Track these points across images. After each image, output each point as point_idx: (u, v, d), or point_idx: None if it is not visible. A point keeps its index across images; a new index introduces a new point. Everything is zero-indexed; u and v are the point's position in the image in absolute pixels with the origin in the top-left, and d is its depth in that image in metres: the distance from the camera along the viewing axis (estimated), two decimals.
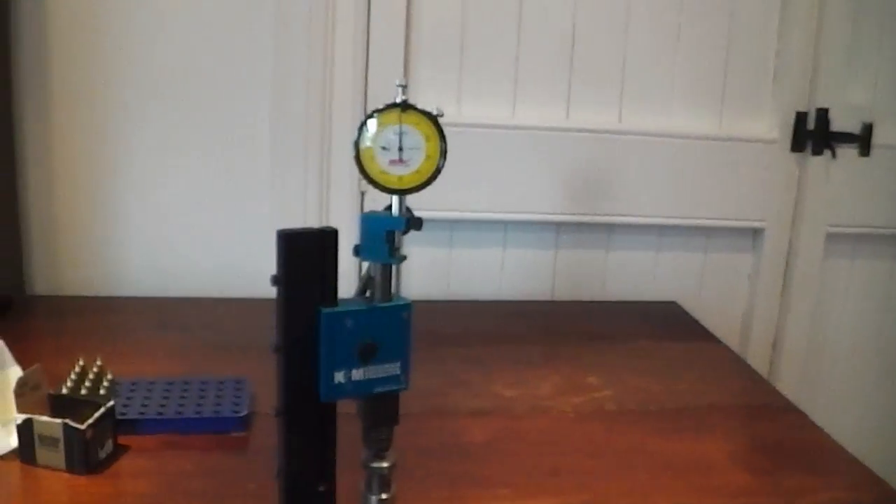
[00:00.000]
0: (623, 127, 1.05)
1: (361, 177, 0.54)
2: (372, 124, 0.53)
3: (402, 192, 0.54)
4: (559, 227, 1.09)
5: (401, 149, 0.53)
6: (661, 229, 1.12)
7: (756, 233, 1.15)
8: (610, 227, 1.11)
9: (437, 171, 0.54)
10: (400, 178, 0.54)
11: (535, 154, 1.03)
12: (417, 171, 0.53)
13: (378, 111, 0.54)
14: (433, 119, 0.54)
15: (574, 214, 1.07)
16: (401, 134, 0.53)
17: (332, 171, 1.00)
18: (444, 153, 0.54)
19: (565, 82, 1.05)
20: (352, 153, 0.52)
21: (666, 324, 0.99)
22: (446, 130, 0.54)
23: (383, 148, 0.53)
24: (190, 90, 0.98)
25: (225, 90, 0.98)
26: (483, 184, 1.02)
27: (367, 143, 0.53)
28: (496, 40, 1.01)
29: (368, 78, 0.97)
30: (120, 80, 0.97)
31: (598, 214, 1.08)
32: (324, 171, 0.99)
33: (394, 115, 0.53)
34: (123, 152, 0.98)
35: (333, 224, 0.51)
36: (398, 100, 0.54)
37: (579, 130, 1.05)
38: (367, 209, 0.98)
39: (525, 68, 1.03)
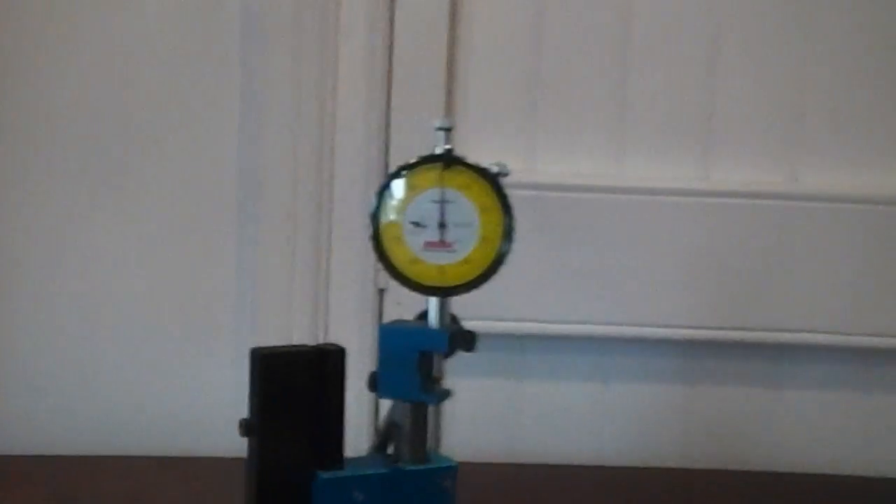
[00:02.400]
0: (798, 189, 1.04)
1: (381, 267, 0.56)
2: (399, 187, 0.56)
3: (444, 293, 0.56)
4: (693, 348, 1.07)
5: (443, 225, 0.56)
6: (866, 354, 1.08)
7: None
8: (778, 350, 1.09)
9: (499, 261, 0.56)
10: (441, 269, 0.56)
11: (653, 231, 1.02)
12: (468, 260, 0.56)
13: (408, 167, 0.56)
14: (492, 180, 0.56)
15: (717, 328, 1.05)
16: (443, 202, 0.56)
17: (334, 259, 1.01)
18: (508, 232, 0.56)
19: (703, 124, 1.05)
20: (366, 231, 0.56)
21: None
22: (514, 197, 0.57)
23: (415, 224, 0.56)
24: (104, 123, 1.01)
25: (157, 124, 1.02)
26: (570, 279, 1.02)
27: (390, 215, 0.56)
28: (590, 61, 1.04)
29: (391, 116, 1.00)
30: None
31: (758, 329, 1.06)
32: (321, 257, 1.01)
33: (432, 173, 0.56)
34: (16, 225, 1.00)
35: (335, 339, 0.54)
36: (439, 150, 0.56)
37: (726, 194, 1.03)
38: (388, 317, 0.99)
39: (637, 102, 1.04)
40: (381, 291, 1.02)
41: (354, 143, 1.02)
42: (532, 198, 0.99)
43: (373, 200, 0.57)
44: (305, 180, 1.01)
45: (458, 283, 0.56)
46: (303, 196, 1.01)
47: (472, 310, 0.59)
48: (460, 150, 0.57)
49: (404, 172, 0.56)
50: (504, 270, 0.56)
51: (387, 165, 1.01)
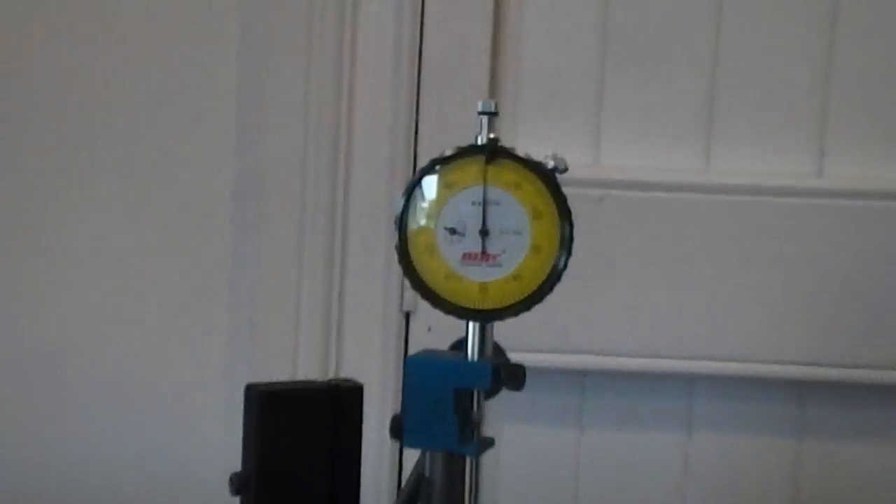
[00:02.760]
0: None
1: (408, 284, 0.58)
2: (431, 186, 0.57)
3: (486, 317, 0.57)
4: (802, 389, 1.07)
5: (485, 232, 0.57)
6: None
7: None
8: None
9: (555, 277, 0.57)
10: (483, 287, 0.57)
11: (751, 241, 1.03)
12: (516, 276, 0.57)
13: (443, 161, 0.57)
14: (547, 177, 0.57)
15: (834, 366, 1.04)
16: (485, 204, 0.57)
17: (349, 274, 1.03)
18: (567, 242, 0.57)
19: (816, 108, 1.06)
20: (389, 240, 0.58)
21: None
22: (574, 197, 0.57)
23: (452, 231, 0.57)
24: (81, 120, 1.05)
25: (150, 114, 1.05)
26: (646, 301, 1.02)
27: (420, 220, 0.57)
28: (670, 28, 1.05)
29: (420, 99, 1.02)
30: None
31: (886, 367, 1.05)
32: (332, 271, 1.03)
33: (473, 168, 0.57)
34: None
35: (350, 374, 0.57)
36: (482, 139, 0.57)
37: (847, 194, 1.02)
38: (416, 347, 0.99)
39: (729, 81, 1.05)
40: (408, 315, 1.03)
41: (374, 132, 1.02)
42: (597, 198, 1.00)
43: (399, 202, 0.58)
44: (315, 178, 1.03)
45: (503, 304, 0.57)
46: (311, 197, 1.03)
47: (520, 339, 0.60)
48: (507, 140, 0.58)
49: (438, 167, 0.57)
50: (561, 289, 0.57)
51: (415, 158, 1.02)
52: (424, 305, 0.59)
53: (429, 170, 0.58)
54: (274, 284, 1.04)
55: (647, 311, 1.04)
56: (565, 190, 0.58)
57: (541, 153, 0.59)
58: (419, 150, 1.02)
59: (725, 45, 1.05)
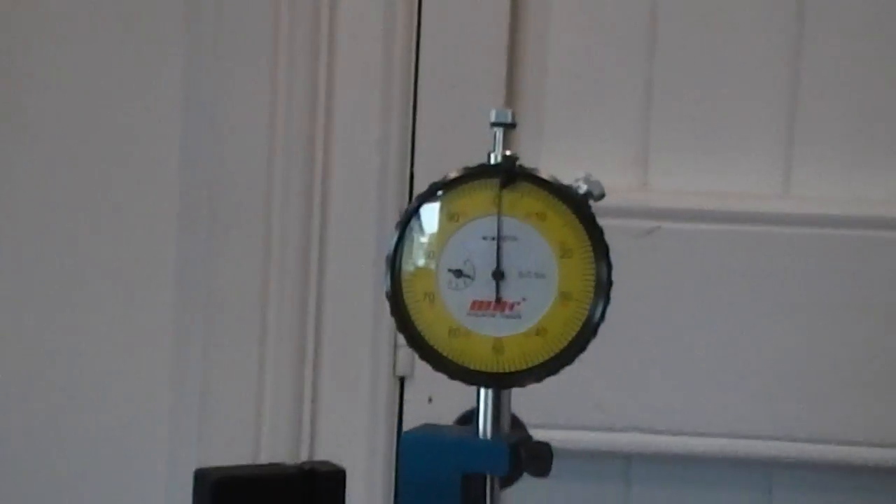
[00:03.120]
0: None
1: (402, 340, 0.57)
2: (431, 216, 0.57)
3: (502, 382, 0.57)
4: None
5: (500, 274, 0.57)
6: None
7: None
8: None
9: (589, 332, 0.56)
10: (498, 345, 0.57)
11: (847, 284, 1.02)
12: (540, 331, 0.57)
13: (446, 185, 0.57)
14: (578, 205, 0.57)
15: None
16: (499, 239, 0.57)
17: (327, 328, 1.03)
18: (603, 286, 0.57)
19: None
20: (379, 285, 0.57)
21: None
22: (613, 231, 0.57)
23: (457, 273, 0.57)
24: None
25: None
26: (708, 364, 1.01)
27: (418, 260, 0.57)
28: (744, 25, 1.05)
29: (418, 108, 1.03)
30: None
31: None
32: (306, 324, 1.03)
33: (484, 194, 0.57)
34: None
35: (330, 455, 0.56)
36: (496, 157, 0.57)
37: None
38: (413, 421, 0.93)
39: (814, 84, 1.06)
40: (403, 380, 1.03)
41: (359, 147, 1.02)
42: (644, 231, 0.99)
43: (391, 237, 0.58)
44: (282, 206, 1.03)
45: (523, 366, 0.57)
46: (278, 230, 1.03)
47: (546, 411, 0.63)
48: (528, 159, 0.59)
49: (440, 193, 0.57)
50: (597, 346, 0.57)
51: (412, 182, 1.02)
52: (424, 368, 0.58)
53: (428, 196, 0.58)
54: (229, 343, 1.04)
55: (710, 377, 1.03)
56: (602, 221, 0.58)
57: (571, 175, 0.59)
58: (416, 170, 1.02)
59: (809, 32, 1.06)
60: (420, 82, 1.03)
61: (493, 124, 0.58)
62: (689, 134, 1.05)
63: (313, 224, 1.03)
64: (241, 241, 1.04)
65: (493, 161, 0.58)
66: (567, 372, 0.58)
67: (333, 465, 0.55)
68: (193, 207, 1.04)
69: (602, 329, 0.58)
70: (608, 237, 0.58)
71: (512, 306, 0.57)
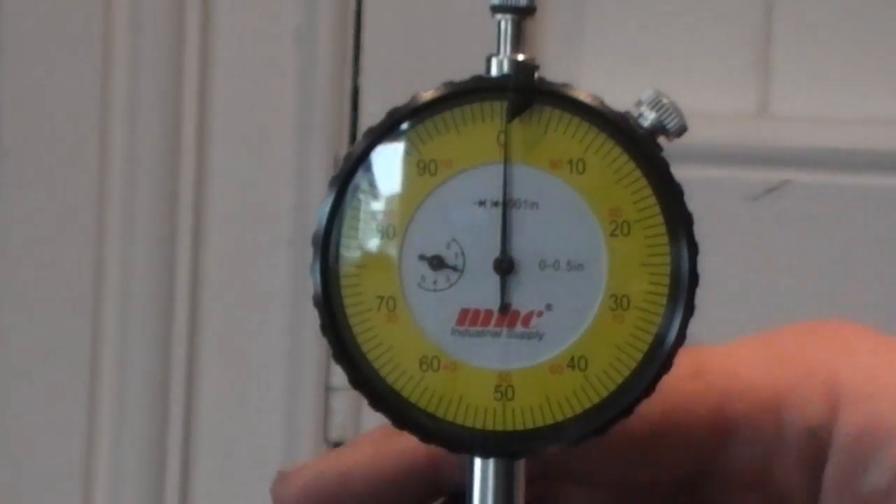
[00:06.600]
0: None
1: (343, 379, 0.44)
2: (389, 164, 0.45)
3: (508, 447, 0.45)
4: None
5: (507, 265, 0.44)
6: None
7: None
8: None
9: (661, 362, 0.43)
10: (504, 384, 0.44)
11: None
12: (577, 360, 0.43)
13: (415, 111, 0.44)
14: (641, 146, 0.44)
15: None
16: (506, 204, 0.44)
17: (206, 366, 0.95)
18: (685, 285, 0.44)
19: None
20: (297, 279, 0.50)
21: None
22: (699, 190, 0.45)
23: (434, 262, 0.44)
24: None
25: None
26: None
27: (368, 238, 0.45)
28: None
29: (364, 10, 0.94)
30: None
31: None
32: (170, 347, 0.95)
33: (481, 126, 0.45)
34: None
35: None
36: (501, 65, 0.45)
37: None
38: None
39: None
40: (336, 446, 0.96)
41: (262, 39, 0.94)
42: (762, 189, 0.86)
43: (323, 203, 0.45)
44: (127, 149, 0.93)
45: (546, 421, 0.43)
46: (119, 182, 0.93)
47: None
48: (557, 72, 0.45)
49: (406, 126, 0.44)
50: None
51: (354, 105, 0.91)
52: (377, 424, 0.47)
53: (386, 131, 0.44)
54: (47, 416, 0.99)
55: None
56: (682, 169, 0.43)
57: (627, 96, 0.44)
58: (362, 83, 0.92)
59: None
60: None
61: (495, 8, 0.44)
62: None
63: (182, 180, 0.87)
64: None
65: (495, 71, 0.44)
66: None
67: None
68: None
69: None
70: (695, 200, 0.43)
71: (527, 319, 0.43)
